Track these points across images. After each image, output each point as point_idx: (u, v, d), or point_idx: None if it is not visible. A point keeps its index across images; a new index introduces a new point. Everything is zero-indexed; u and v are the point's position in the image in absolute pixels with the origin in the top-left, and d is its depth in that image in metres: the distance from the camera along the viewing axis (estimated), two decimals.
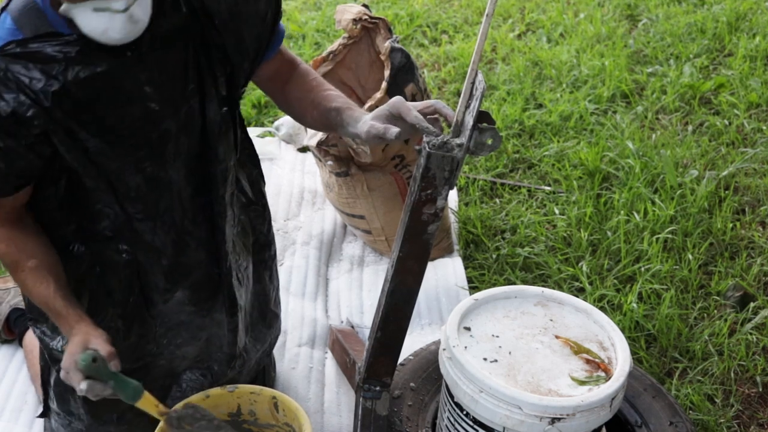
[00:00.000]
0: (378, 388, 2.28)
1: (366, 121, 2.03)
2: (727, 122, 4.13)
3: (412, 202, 1.94)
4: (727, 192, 3.63)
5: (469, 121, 1.86)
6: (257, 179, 2.37)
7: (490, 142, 1.90)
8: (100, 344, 1.95)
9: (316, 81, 2.25)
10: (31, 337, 2.68)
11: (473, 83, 1.88)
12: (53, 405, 2.34)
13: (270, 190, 2.47)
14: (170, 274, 2.17)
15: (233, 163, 2.21)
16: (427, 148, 1.87)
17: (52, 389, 2.31)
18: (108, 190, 2.02)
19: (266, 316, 2.51)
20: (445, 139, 1.91)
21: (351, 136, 2.10)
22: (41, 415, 2.39)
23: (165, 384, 2.34)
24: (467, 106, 1.89)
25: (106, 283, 2.15)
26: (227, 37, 2.06)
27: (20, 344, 2.80)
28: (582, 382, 2.10)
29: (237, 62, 2.10)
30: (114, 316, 2.17)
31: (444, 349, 2.19)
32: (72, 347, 1.96)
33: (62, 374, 1.97)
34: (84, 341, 1.95)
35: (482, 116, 1.89)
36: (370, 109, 3.01)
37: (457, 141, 1.90)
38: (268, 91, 2.31)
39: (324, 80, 2.28)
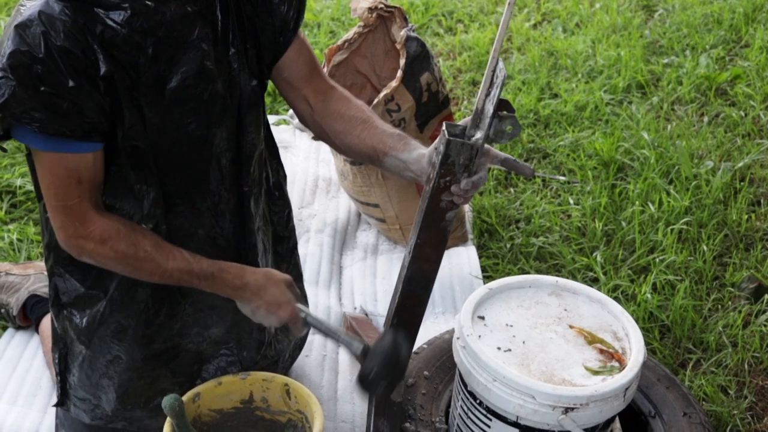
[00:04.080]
0: None
1: (422, 153, 2.06)
2: (743, 113, 4.12)
3: (430, 188, 1.94)
4: (742, 183, 3.62)
5: (490, 108, 1.87)
6: (276, 170, 2.38)
7: (509, 129, 1.90)
8: (282, 275, 2.15)
9: (366, 106, 2.26)
10: (47, 323, 2.68)
11: (494, 71, 1.88)
12: (75, 392, 2.33)
13: None
14: (204, 249, 2.17)
15: (260, 139, 2.23)
16: (447, 135, 1.87)
17: (76, 376, 2.30)
18: (149, 156, 2.01)
19: None
20: (464, 126, 1.91)
21: (400, 162, 2.11)
22: (57, 404, 2.39)
23: (192, 370, 2.34)
24: (487, 94, 1.89)
25: None
26: (260, 11, 2.09)
27: (36, 330, 2.81)
28: (596, 372, 2.10)
29: (265, 36, 2.12)
30: (145, 295, 2.17)
31: (458, 338, 2.19)
32: (273, 293, 2.11)
33: (288, 320, 2.12)
34: (281, 280, 2.14)
35: (502, 104, 1.89)
36: (385, 97, 3.01)
37: (477, 129, 1.90)
38: (291, 91, 2.28)
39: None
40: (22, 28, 1.79)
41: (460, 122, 1.95)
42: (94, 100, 1.87)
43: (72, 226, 1.98)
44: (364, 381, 2.05)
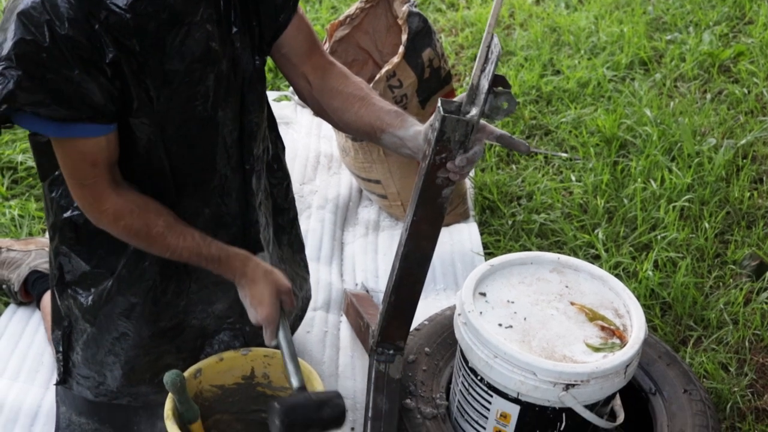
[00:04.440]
0: (391, 352, 2.29)
1: (419, 130, 2.04)
2: (746, 91, 4.10)
3: (426, 165, 1.93)
4: (744, 161, 3.61)
5: (485, 84, 1.85)
6: (274, 142, 2.37)
7: (505, 106, 1.89)
8: (283, 280, 2.13)
9: (365, 83, 2.24)
10: (48, 299, 2.68)
11: (489, 47, 1.86)
12: (79, 370, 2.33)
13: (286, 154, 2.48)
14: (209, 227, 2.17)
15: (263, 117, 2.23)
16: (442, 112, 1.86)
17: (80, 354, 2.31)
18: (159, 139, 2.01)
19: (294, 279, 2.52)
20: (460, 103, 1.90)
21: (397, 139, 2.08)
22: (59, 383, 2.40)
23: (196, 345, 2.35)
24: (483, 70, 1.88)
25: None
26: None
27: (38, 306, 2.81)
28: (597, 349, 2.10)
29: (265, 14, 2.11)
30: (153, 273, 2.18)
31: (459, 315, 2.19)
32: (261, 290, 2.09)
33: (263, 321, 2.09)
34: (275, 283, 2.10)
35: (497, 80, 1.88)
36: (387, 73, 3.00)
37: (473, 105, 1.89)
38: (290, 68, 2.26)
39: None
40: (25, 17, 1.77)
41: (456, 99, 1.94)
42: (102, 86, 1.86)
43: (88, 202, 2.01)
44: (270, 410, 2.01)
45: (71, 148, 1.93)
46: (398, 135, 2.07)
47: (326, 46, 3.23)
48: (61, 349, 2.33)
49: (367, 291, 2.99)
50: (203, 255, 2.07)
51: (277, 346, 2.13)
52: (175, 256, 2.08)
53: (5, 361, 2.67)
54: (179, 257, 2.08)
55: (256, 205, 2.26)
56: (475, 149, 1.92)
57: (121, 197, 2.00)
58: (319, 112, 2.27)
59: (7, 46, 1.77)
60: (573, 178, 3.54)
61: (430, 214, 2.03)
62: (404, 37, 3.05)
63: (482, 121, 1.93)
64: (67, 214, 2.15)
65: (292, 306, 2.16)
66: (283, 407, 1.97)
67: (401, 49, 3.03)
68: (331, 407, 2.00)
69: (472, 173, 3.54)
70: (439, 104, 1.89)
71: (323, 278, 3.02)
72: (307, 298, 2.66)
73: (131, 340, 2.25)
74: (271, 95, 4.09)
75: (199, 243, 2.07)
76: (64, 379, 2.37)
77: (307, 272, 2.64)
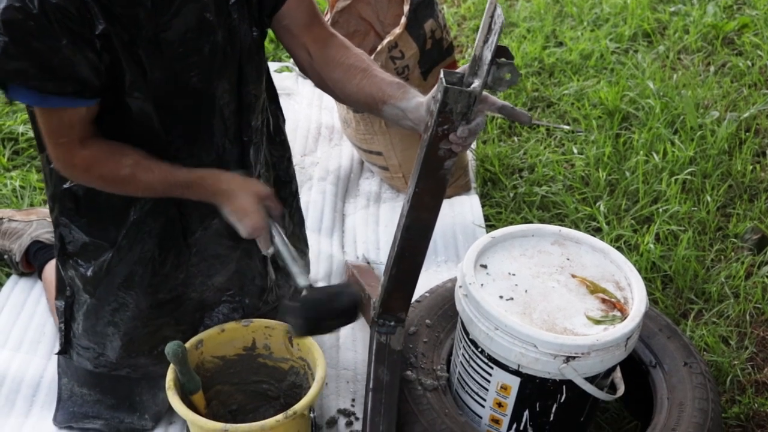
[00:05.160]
0: (393, 324, 2.29)
1: (421, 101, 2.02)
2: (750, 63, 4.08)
3: (428, 137, 1.92)
4: (747, 134, 3.60)
5: (487, 56, 1.84)
6: (275, 114, 2.37)
7: (508, 77, 1.88)
8: (262, 186, 2.11)
9: (366, 54, 2.23)
10: (50, 270, 2.69)
11: (492, 17, 1.85)
12: (79, 341, 2.34)
13: (287, 126, 2.47)
14: None
15: (261, 89, 2.22)
16: (444, 83, 1.85)
17: (80, 324, 2.32)
18: (153, 112, 2.01)
19: None
20: (462, 74, 1.89)
21: (399, 111, 2.06)
22: (60, 352, 2.41)
23: (195, 317, 2.35)
24: (485, 41, 1.86)
25: (145, 212, 2.15)
26: None
27: (39, 277, 2.82)
28: (597, 322, 2.10)
29: None
30: (152, 245, 2.18)
31: (460, 287, 2.19)
32: (242, 200, 2.07)
33: (252, 231, 2.08)
34: (255, 191, 2.09)
35: (500, 51, 1.86)
36: (389, 44, 2.99)
37: (475, 77, 1.88)
38: (290, 40, 2.25)
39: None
40: None
41: (458, 70, 1.93)
42: (88, 59, 1.85)
43: (61, 159, 2.02)
44: (285, 310, 2.05)
45: (51, 114, 1.94)
46: (400, 106, 2.06)
47: (327, 17, 3.21)
48: (63, 318, 2.34)
49: (369, 263, 2.99)
50: (174, 183, 2.06)
51: (275, 254, 2.12)
52: (150, 192, 2.08)
53: (7, 332, 2.67)
54: (155, 192, 2.08)
55: (255, 177, 2.25)
56: (477, 120, 1.91)
57: (89, 149, 2.00)
58: (320, 83, 2.25)
59: None
60: (575, 151, 3.53)
61: (432, 186, 2.02)
62: (406, 8, 3.03)
63: (484, 93, 1.92)
64: (66, 185, 2.15)
65: (279, 211, 2.15)
66: (302, 304, 2.01)
67: (403, 19, 3.02)
68: (345, 296, 2.05)
69: (473, 145, 3.53)
70: (441, 75, 1.87)
71: (324, 250, 3.02)
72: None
73: (130, 312, 2.25)
74: (272, 66, 4.07)
75: (167, 173, 2.05)
76: (65, 349, 2.38)
77: (307, 246, 2.63)
